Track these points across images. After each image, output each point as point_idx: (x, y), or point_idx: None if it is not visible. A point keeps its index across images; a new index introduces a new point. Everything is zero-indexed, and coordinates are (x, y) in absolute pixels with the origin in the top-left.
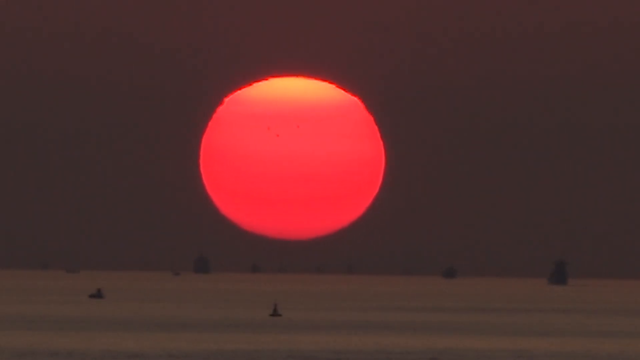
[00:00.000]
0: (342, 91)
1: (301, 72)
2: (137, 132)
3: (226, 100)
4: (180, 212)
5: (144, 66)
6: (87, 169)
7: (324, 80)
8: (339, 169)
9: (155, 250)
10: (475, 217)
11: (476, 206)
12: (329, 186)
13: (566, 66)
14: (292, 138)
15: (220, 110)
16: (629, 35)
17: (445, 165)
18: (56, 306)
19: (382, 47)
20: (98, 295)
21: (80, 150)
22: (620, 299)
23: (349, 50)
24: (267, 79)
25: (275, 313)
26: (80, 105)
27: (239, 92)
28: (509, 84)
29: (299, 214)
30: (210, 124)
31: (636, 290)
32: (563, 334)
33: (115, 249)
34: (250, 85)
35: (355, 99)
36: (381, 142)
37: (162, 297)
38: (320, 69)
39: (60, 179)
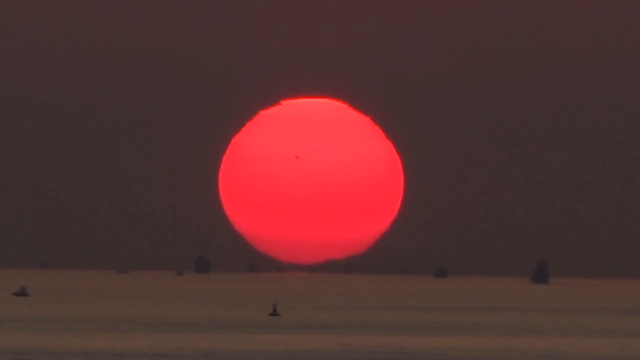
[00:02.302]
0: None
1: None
2: (155, 133)
3: (283, 102)
4: (188, 213)
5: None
6: (93, 166)
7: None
8: (361, 180)
9: (159, 249)
10: (464, 219)
11: (465, 209)
12: (350, 200)
13: (558, 70)
14: (312, 156)
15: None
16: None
17: (435, 169)
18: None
19: (371, 50)
20: (22, 293)
21: (82, 148)
22: (600, 297)
23: (336, 58)
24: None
25: (274, 313)
26: (86, 103)
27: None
28: (498, 86)
29: (313, 227)
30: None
31: (616, 288)
32: (544, 332)
33: (118, 248)
34: (279, 104)
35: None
36: (393, 147)
37: (163, 297)
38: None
39: (61, 179)
